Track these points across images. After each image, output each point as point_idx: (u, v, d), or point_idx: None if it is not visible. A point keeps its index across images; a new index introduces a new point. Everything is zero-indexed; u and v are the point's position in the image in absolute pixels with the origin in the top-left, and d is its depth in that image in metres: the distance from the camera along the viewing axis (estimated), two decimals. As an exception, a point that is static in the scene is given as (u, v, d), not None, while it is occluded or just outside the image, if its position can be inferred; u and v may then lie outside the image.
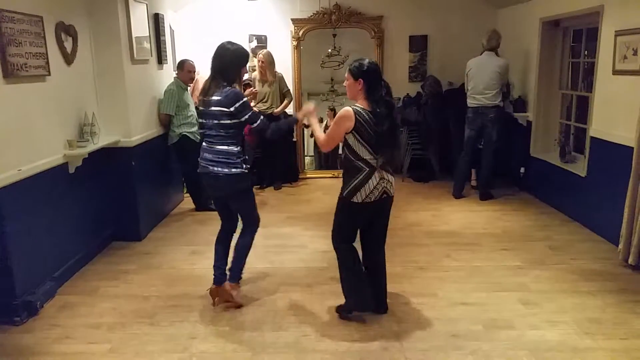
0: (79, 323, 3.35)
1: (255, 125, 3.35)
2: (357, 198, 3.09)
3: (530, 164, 6.09)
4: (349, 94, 3.19)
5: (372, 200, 3.10)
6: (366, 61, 3.10)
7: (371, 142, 3.05)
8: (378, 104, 3.05)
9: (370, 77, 3.06)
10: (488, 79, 5.68)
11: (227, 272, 3.59)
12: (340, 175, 3.33)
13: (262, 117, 3.40)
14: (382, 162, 3.11)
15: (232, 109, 3.25)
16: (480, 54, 5.86)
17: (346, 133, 3.06)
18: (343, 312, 3.36)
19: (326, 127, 3.33)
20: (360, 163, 3.08)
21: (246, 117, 3.29)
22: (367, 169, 3.07)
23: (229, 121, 3.28)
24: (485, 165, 5.92)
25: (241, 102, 3.26)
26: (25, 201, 3.47)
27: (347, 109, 3.06)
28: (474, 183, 6.37)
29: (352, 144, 3.07)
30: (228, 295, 3.53)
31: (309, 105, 3.46)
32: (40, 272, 3.63)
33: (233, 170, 3.33)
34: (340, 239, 3.30)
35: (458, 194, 6.06)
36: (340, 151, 3.54)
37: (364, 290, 3.28)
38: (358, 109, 3.05)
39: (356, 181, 3.08)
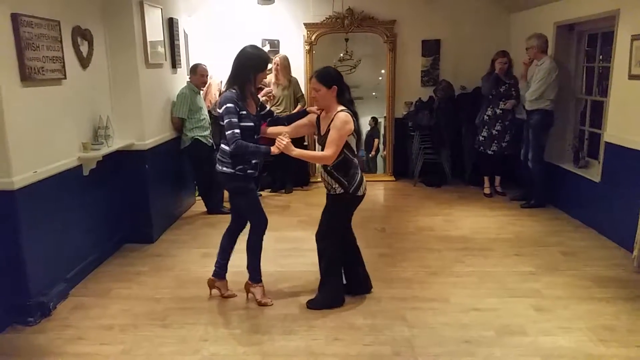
0: (91, 324, 3.38)
1: (226, 133, 3.27)
2: (360, 191, 3.36)
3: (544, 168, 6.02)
4: (323, 103, 3.34)
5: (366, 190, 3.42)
6: (330, 69, 3.36)
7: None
8: (352, 105, 3.31)
9: (340, 82, 3.30)
10: (532, 83, 5.55)
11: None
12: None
13: (235, 130, 3.23)
14: None
15: (220, 111, 3.35)
16: None
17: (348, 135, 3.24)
18: (316, 306, 3.52)
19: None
20: (356, 160, 3.33)
21: (224, 122, 3.30)
22: (358, 164, 3.38)
23: (223, 122, 3.36)
24: (532, 172, 5.69)
25: (224, 107, 3.30)
26: (39, 203, 3.50)
27: (346, 114, 3.22)
28: (498, 189, 6.31)
29: (352, 144, 3.29)
30: (224, 290, 3.72)
31: (282, 140, 3.23)
32: (53, 274, 3.67)
33: (223, 168, 3.43)
34: (335, 236, 3.51)
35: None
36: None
37: (342, 288, 3.60)
38: (349, 111, 3.24)
39: (358, 176, 3.34)
